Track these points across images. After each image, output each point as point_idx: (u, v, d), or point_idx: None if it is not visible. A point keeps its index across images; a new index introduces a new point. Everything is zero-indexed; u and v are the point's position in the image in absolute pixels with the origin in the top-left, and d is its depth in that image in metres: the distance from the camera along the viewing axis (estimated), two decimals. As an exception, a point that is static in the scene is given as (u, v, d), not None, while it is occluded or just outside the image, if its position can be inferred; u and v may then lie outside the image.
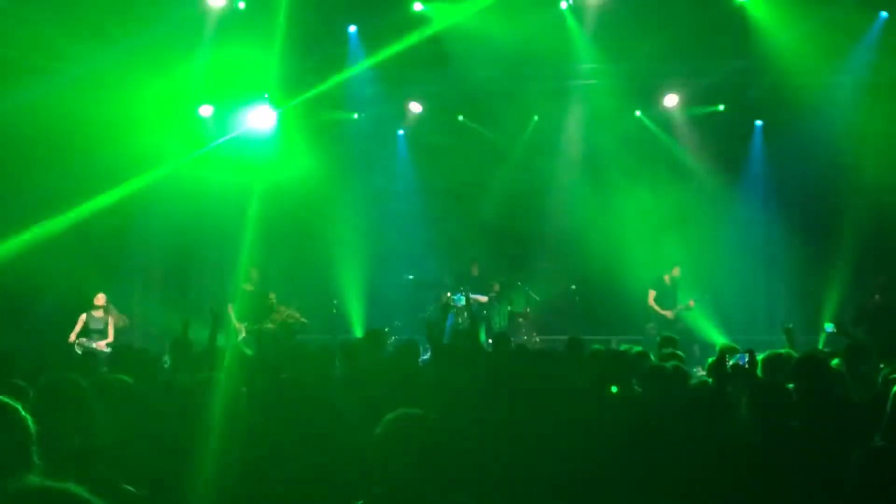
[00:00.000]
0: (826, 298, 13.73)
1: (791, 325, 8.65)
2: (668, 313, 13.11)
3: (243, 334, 12.37)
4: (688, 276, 13.42)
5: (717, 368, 5.43)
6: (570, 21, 12.89)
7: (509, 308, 14.31)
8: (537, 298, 14.36)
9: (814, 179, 14.41)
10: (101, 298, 12.06)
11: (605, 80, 13.79)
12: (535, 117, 15.38)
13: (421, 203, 15.93)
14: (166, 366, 7.22)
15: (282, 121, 14.85)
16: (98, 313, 12.03)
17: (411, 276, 14.71)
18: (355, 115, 15.29)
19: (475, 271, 14.17)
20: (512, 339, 9.77)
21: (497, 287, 14.09)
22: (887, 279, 12.21)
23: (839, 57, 12.80)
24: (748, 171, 15.46)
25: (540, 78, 13.90)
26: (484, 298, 13.73)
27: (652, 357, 7.16)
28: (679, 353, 7.47)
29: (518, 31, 12.11)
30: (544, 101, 14.60)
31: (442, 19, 12.49)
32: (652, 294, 13.38)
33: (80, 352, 10.78)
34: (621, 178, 14.58)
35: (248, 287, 12.87)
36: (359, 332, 14.00)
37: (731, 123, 15.06)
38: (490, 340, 12.00)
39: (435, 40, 12.68)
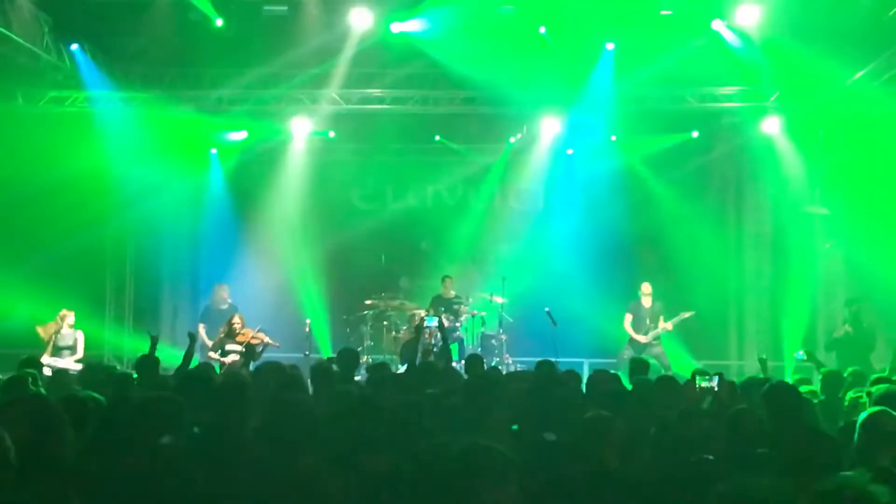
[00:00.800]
0: (796, 326, 13.84)
1: (765, 356, 9.05)
2: (643, 338, 12.90)
3: (216, 355, 12.25)
4: (661, 301, 13.37)
5: (689, 391, 5.49)
6: (548, 46, 12.92)
7: (482, 329, 14.26)
8: (510, 320, 14.33)
9: (784, 206, 14.61)
10: (70, 316, 11.91)
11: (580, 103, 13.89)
12: (512, 139, 15.50)
13: (395, 223, 15.90)
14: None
15: (256, 138, 14.86)
16: (66, 330, 11.88)
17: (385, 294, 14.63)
18: (331, 134, 15.22)
19: (448, 291, 14.12)
20: (485, 360, 9.78)
21: (467, 306, 14.03)
22: (858, 307, 12.34)
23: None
24: (717, 196, 15.68)
25: (519, 102, 13.94)
26: (457, 322, 13.69)
27: (624, 381, 7.20)
28: (650, 378, 7.50)
29: (497, 55, 12.17)
30: (521, 123, 14.74)
31: (419, 42, 12.48)
32: (628, 318, 13.16)
33: (48, 371, 10.53)
34: (596, 202, 14.73)
35: (225, 306, 12.86)
36: (329, 353, 13.91)
37: (702, 149, 15.26)
38: (463, 361, 11.96)
39: (414, 61, 12.71)
